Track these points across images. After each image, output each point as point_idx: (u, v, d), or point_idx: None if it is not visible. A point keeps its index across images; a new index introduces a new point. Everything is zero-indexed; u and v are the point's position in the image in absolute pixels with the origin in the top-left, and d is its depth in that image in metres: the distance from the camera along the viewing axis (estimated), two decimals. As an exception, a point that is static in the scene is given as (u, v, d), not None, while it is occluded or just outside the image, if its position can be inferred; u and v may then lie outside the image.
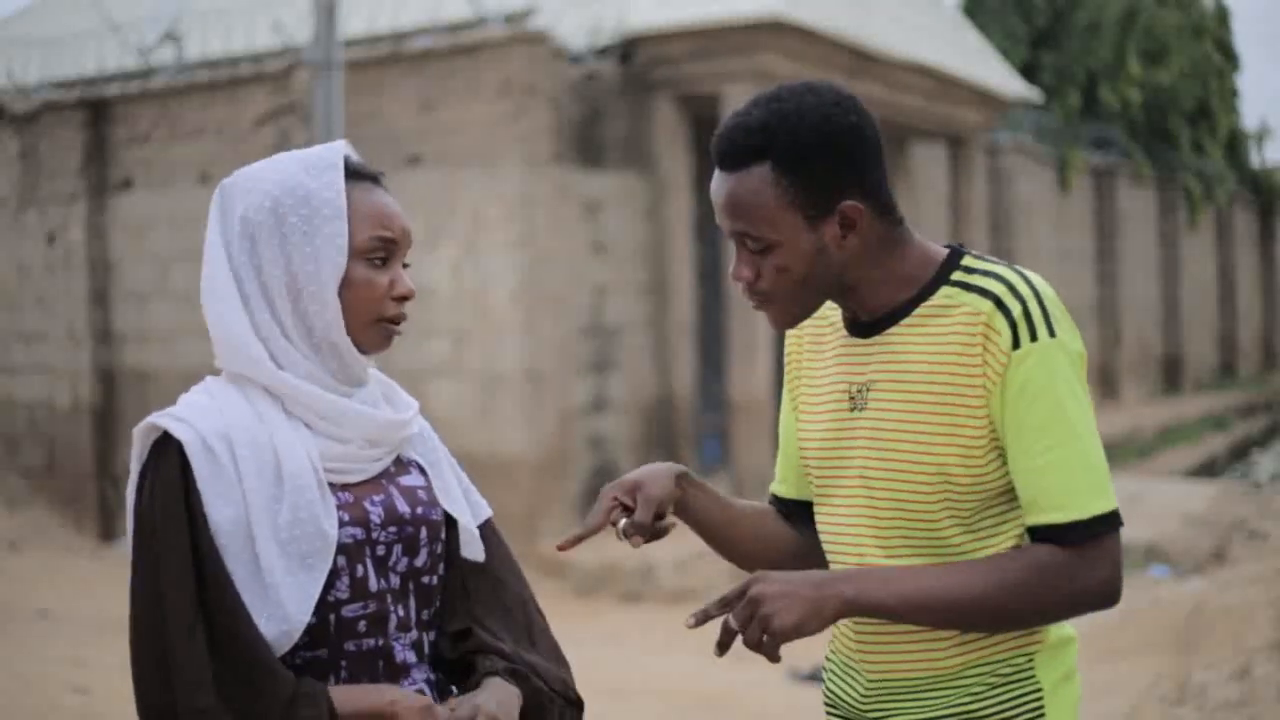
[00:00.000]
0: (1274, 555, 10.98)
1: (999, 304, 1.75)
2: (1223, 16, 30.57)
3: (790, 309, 1.85)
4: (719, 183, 1.82)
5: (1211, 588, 9.54)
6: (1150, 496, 12.76)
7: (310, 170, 1.76)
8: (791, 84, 1.81)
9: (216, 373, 1.80)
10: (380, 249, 1.76)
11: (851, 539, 1.86)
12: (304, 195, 1.74)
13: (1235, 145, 31.52)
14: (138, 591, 1.67)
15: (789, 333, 2.04)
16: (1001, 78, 16.95)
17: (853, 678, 1.88)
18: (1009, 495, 1.80)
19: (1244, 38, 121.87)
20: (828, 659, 1.97)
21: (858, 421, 1.84)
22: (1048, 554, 1.73)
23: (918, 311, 1.81)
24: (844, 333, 1.90)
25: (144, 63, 13.57)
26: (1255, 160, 33.49)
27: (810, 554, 1.98)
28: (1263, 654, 6.63)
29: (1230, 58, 30.54)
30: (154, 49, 13.56)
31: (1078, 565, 1.73)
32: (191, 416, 1.70)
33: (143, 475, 1.70)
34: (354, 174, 1.79)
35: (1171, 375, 26.93)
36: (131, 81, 13.47)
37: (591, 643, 8.49)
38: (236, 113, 12.23)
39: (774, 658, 1.70)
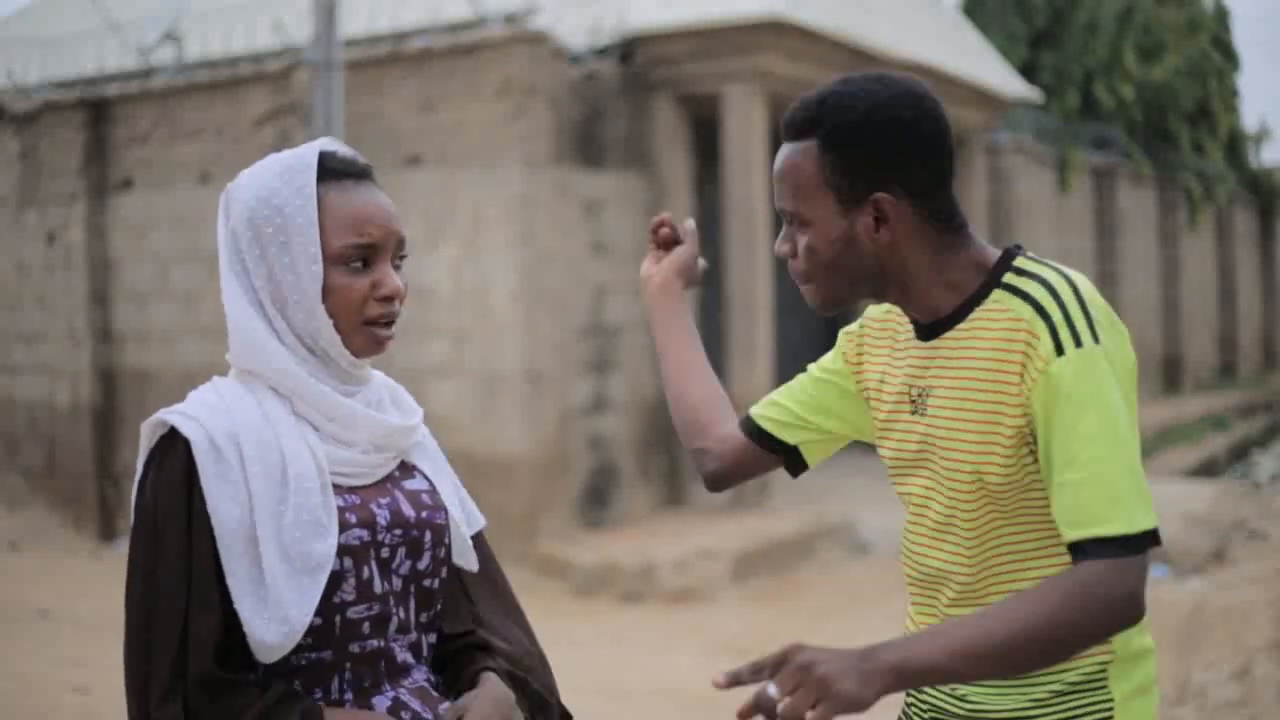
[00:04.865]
0: (1274, 555, 10.99)
1: (1039, 309, 1.69)
2: (1222, 16, 30.56)
3: (823, 292, 1.82)
4: (779, 152, 1.84)
5: (1211, 588, 9.55)
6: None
7: (285, 175, 1.73)
8: (871, 72, 1.79)
9: (221, 371, 1.80)
10: (356, 255, 1.72)
11: (912, 541, 1.86)
12: (277, 205, 1.71)
13: (1235, 145, 31.52)
14: (132, 590, 1.66)
15: (848, 326, 2.03)
16: (1001, 78, 16.96)
17: None
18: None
19: (1244, 38, 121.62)
20: None
21: (918, 425, 1.83)
22: (1087, 571, 1.60)
23: (971, 316, 1.76)
24: (913, 334, 1.87)
25: (144, 63, 13.58)
26: (1255, 160, 33.50)
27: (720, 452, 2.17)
28: (1263, 654, 6.64)
29: (1230, 58, 30.52)
30: (154, 49, 13.56)
31: (1112, 578, 1.60)
32: (200, 415, 1.69)
33: (145, 471, 1.70)
34: (334, 173, 1.75)
35: (1171, 375, 26.92)
36: (131, 81, 13.47)
37: (591, 643, 8.49)
38: (236, 113, 12.23)
39: None
